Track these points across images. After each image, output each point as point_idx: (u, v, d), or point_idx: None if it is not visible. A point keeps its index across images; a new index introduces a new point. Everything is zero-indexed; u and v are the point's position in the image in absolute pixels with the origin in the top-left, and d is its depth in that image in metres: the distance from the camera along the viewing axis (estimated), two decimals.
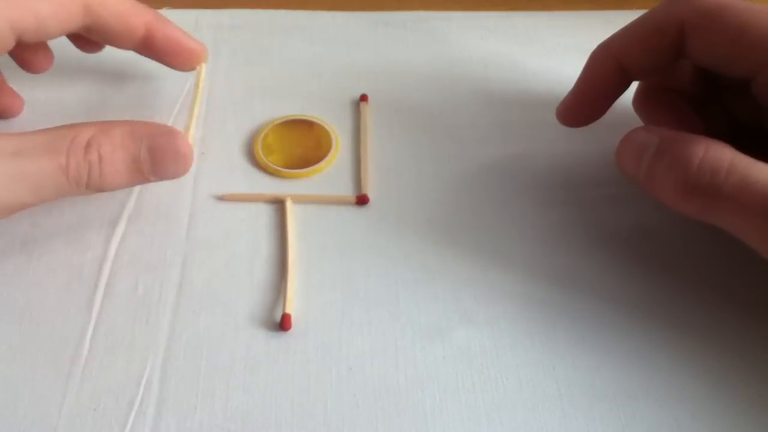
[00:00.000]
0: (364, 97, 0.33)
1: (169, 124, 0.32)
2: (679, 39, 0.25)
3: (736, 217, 0.22)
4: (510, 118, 0.33)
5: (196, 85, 0.31)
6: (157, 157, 0.26)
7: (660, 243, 0.28)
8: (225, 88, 0.34)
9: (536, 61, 0.35)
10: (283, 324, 0.25)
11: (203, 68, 0.32)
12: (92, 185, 0.25)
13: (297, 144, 0.31)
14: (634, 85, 0.29)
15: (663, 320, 0.26)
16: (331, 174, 0.31)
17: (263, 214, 0.29)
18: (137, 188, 0.29)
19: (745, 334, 0.26)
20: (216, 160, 0.31)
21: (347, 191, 0.30)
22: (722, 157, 0.22)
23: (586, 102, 0.28)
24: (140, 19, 0.30)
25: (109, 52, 0.36)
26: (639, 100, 0.30)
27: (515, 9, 0.38)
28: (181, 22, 0.37)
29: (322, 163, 0.31)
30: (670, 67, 0.27)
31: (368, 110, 0.33)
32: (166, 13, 0.37)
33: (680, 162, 0.23)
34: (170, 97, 0.33)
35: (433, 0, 0.39)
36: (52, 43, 0.31)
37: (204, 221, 0.29)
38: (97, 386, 0.24)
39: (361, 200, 0.29)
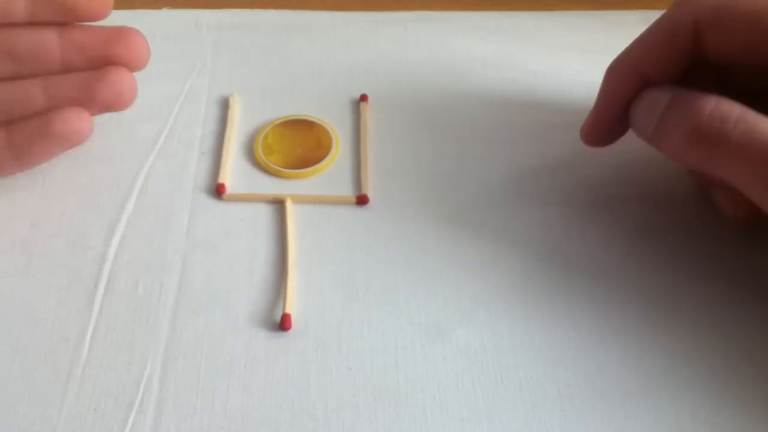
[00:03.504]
0: (364, 97, 0.33)
1: (170, 123, 0.32)
2: (695, 39, 0.25)
3: (741, 166, 0.23)
4: (510, 118, 0.33)
5: (230, 117, 0.32)
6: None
7: (660, 243, 0.28)
8: (225, 88, 0.34)
9: (536, 61, 0.35)
10: (283, 324, 0.25)
11: (236, 100, 0.33)
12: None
13: (297, 144, 0.31)
14: None
15: (663, 320, 0.26)
16: (331, 174, 0.31)
17: (263, 214, 0.29)
18: (137, 188, 0.29)
19: (746, 333, 0.26)
20: (216, 159, 0.31)
21: (347, 191, 0.30)
22: (732, 109, 0.23)
23: (610, 119, 0.28)
24: None
25: None
26: None
27: (515, 9, 0.38)
28: (181, 22, 0.37)
29: (322, 163, 0.31)
30: (684, 73, 0.27)
31: (368, 110, 0.33)
32: (167, 13, 0.38)
33: (691, 111, 0.23)
34: (170, 98, 0.33)
35: (433, 0, 0.39)
36: None
37: (204, 221, 0.29)
38: (97, 386, 0.24)
39: (361, 200, 0.29)
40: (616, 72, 0.27)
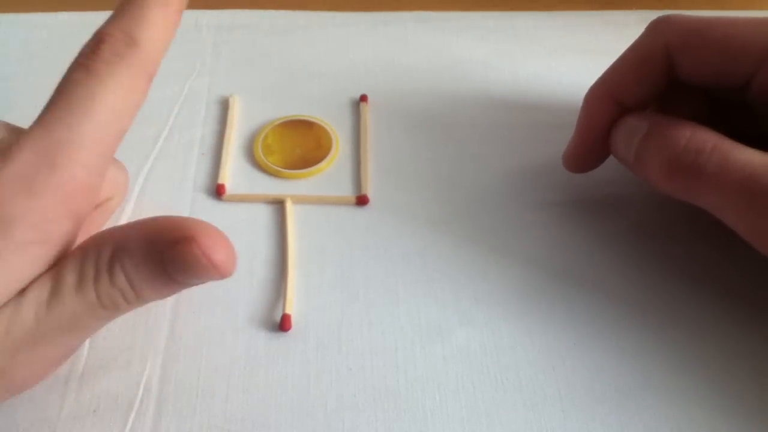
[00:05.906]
0: (364, 97, 0.33)
1: (170, 123, 0.32)
2: (668, 63, 0.26)
3: (716, 195, 0.23)
4: (510, 118, 0.33)
5: (230, 118, 0.32)
6: (181, 267, 0.20)
7: (660, 243, 0.28)
8: (225, 89, 0.34)
9: (536, 61, 0.35)
10: (283, 324, 0.25)
11: (236, 100, 0.33)
12: (132, 304, 0.22)
13: (297, 144, 0.31)
14: None
15: (662, 320, 0.26)
16: (331, 174, 0.31)
17: (263, 214, 0.29)
18: (137, 189, 0.29)
19: (745, 334, 0.26)
20: (216, 160, 0.31)
21: (347, 191, 0.30)
22: (707, 138, 0.23)
23: (590, 145, 0.28)
24: None
25: None
26: None
27: (515, 9, 0.38)
28: (181, 22, 0.37)
29: (322, 164, 0.31)
30: (663, 93, 0.27)
31: (368, 110, 0.33)
32: None
33: (668, 142, 0.24)
34: (170, 99, 0.33)
35: (433, 0, 0.39)
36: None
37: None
38: (96, 387, 0.24)
39: (361, 200, 0.29)
40: (593, 99, 0.27)
